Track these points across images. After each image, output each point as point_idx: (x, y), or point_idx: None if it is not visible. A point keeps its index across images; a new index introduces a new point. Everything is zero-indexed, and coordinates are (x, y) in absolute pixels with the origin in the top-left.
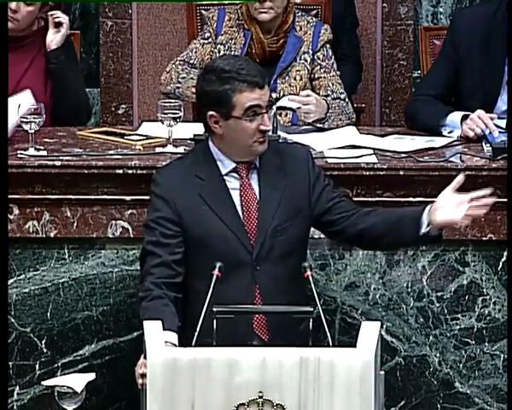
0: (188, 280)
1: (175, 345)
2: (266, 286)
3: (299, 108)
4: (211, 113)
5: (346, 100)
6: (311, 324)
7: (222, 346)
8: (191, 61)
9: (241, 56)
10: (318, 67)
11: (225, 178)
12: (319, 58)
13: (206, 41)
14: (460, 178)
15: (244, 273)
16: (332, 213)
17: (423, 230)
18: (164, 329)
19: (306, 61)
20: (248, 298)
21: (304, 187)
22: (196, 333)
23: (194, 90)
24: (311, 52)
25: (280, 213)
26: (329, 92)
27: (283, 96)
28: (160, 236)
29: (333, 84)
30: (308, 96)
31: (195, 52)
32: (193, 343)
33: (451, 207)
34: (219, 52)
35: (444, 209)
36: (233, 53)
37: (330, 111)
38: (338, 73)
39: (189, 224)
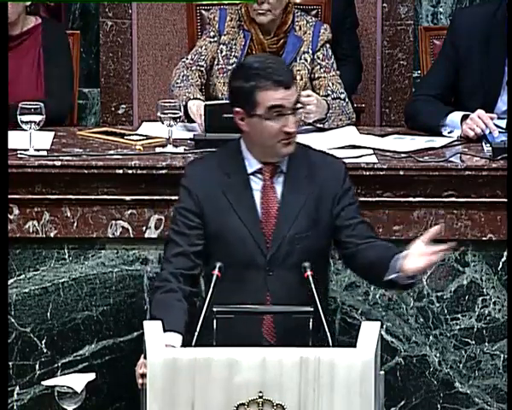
0: (207, 275)
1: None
2: (278, 292)
3: (299, 108)
4: (237, 109)
5: (346, 100)
6: (310, 324)
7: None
8: (201, 60)
9: (274, 56)
10: (318, 66)
11: (250, 177)
12: (319, 58)
13: (212, 39)
14: (436, 229)
15: (256, 276)
16: (344, 233)
17: (388, 276)
18: (169, 329)
19: (306, 60)
20: (258, 301)
21: (329, 199)
22: (196, 333)
23: (183, 98)
24: (310, 52)
25: (299, 221)
26: (329, 92)
27: None
28: (182, 226)
29: (333, 83)
30: (309, 96)
31: (205, 49)
32: (193, 343)
33: (416, 256)
34: (221, 52)
35: (410, 257)
36: (234, 54)
37: (331, 111)
38: (338, 72)
39: (209, 218)
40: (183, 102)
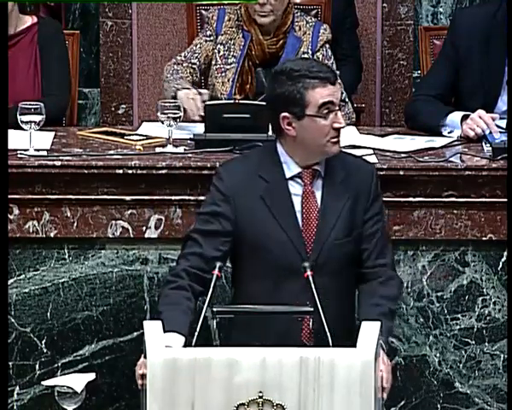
0: (240, 281)
1: None
2: (318, 298)
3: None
4: (284, 114)
5: (346, 100)
6: (310, 324)
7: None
8: (194, 57)
9: (307, 57)
10: None
11: (289, 182)
12: (319, 58)
13: (208, 38)
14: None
15: (296, 282)
16: (361, 245)
17: None
18: (173, 329)
19: None
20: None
21: (363, 203)
22: (196, 333)
23: (172, 90)
24: (310, 52)
25: (339, 227)
26: None
27: None
28: (210, 229)
29: None
30: None
31: (200, 47)
32: (193, 343)
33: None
34: (219, 52)
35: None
36: (232, 54)
37: None
38: (337, 72)
39: (246, 224)
40: (172, 94)
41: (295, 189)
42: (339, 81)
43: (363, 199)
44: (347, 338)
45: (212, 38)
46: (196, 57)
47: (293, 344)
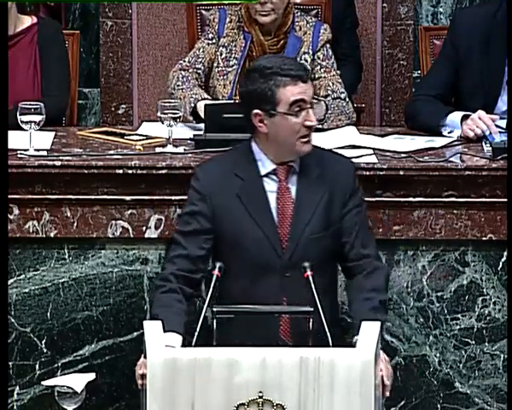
0: (219, 278)
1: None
2: (294, 295)
3: (317, 101)
4: (255, 111)
5: (347, 99)
6: (310, 324)
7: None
8: (198, 62)
9: (282, 55)
10: (318, 66)
11: (264, 179)
12: (319, 58)
13: (210, 41)
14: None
15: (272, 279)
16: (343, 239)
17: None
18: (169, 330)
19: (307, 61)
20: (275, 304)
21: (340, 199)
22: (196, 333)
23: (191, 100)
24: (311, 52)
25: (314, 222)
26: (330, 92)
27: None
28: (191, 228)
29: (333, 83)
30: None
31: (203, 51)
32: (193, 343)
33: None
34: (221, 55)
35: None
36: (234, 55)
37: (329, 112)
38: (338, 72)
39: (223, 222)
40: (192, 104)
41: (270, 186)
42: (311, 78)
43: (340, 194)
44: (330, 332)
45: (214, 40)
46: (201, 62)
47: (272, 341)
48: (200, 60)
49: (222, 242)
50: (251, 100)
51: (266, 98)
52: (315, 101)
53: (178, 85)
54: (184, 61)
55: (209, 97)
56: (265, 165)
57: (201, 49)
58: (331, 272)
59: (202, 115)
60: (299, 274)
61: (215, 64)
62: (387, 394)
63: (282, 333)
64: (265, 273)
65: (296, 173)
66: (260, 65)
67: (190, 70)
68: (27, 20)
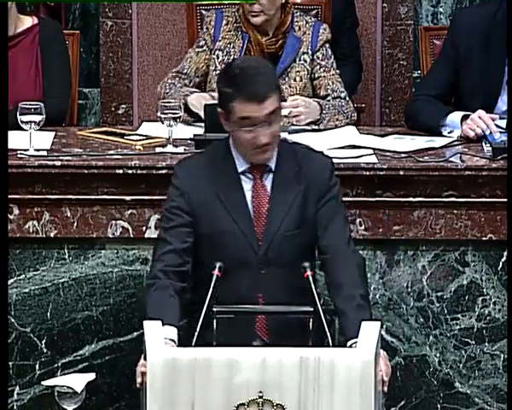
0: (197, 272)
1: (174, 341)
2: (270, 291)
3: (289, 113)
4: (220, 110)
5: (347, 98)
6: (311, 324)
7: (222, 346)
8: (184, 72)
9: (263, 61)
10: (318, 66)
11: (241, 176)
12: (319, 58)
13: (200, 49)
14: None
15: (249, 275)
16: (318, 232)
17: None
18: (164, 323)
19: (306, 61)
20: (251, 300)
21: (315, 196)
22: (196, 333)
23: (180, 99)
24: (310, 52)
25: (289, 219)
26: (329, 92)
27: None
28: (172, 224)
29: (333, 83)
30: (295, 100)
31: (190, 61)
32: (193, 343)
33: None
34: (218, 58)
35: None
36: (232, 57)
37: (324, 112)
38: (338, 71)
39: (201, 217)
40: (182, 101)
41: (246, 183)
42: (274, 96)
43: (315, 191)
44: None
45: (204, 47)
46: (186, 72)
47: (248, 338)
48: (185, 70)
49: (200, 237)
50: (219, 96)
51: (225, 103)
52: (306, 103)
53: (167, 93)
54: (171, 72)
55: (197, 90)
56: (241, 163)
57: (188, 60)
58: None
59: (191, 107)
60: (275, 272)
61: (212, 68)
62: (385, 389)
63: (258, 330)
64: (242, 269)
65: (272, 172)
66: (231, 67)
67: (177, 78)
68: (28, 21)
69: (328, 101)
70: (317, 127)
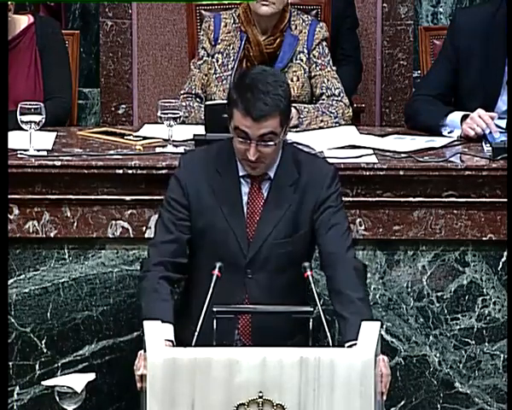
0: (189, 269)
1: (172, 341)
2: (256, 295)
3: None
4: (227, 108)
5: (341, 95)
6: (311, 324)
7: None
8: (193, 92)
9: (279, 79)
10: (314, 65)
11: (241, 179)
12: (315, 56)
13: (201, 62)
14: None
15: (236, 277)
16: (317, 239)
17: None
18: (157, 318)
19: (302, 60)
20: (237, 302)
21: (311, 205)
22: (196, 333)
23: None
24: (306, 51)
25: (280, 227)
26: (324, 90)
27: None
28: (172, 216)
29: (328, 80)
30: None
31: (194, 80)
32: (193, 343)
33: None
34: (217, 61)
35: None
36: (232, 59)
37: (302, 116)
38: (334, 68)
39: (196, 213)
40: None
41: (245, 187)
42: (274, 118)
43: (312, 200)
44: (297, 332)
45: (204, 57)
46: (194, 91)
47: (229, 340)
48: (194, 91)
49: (195, 232)
50: (227, 96)
51: (229, 105)
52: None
53: (187, 117)
54: (182, 94)
55: None
56: (242, 167)
57: (193, 78)
58: (296, 276)
59: None
60: (262, 276)
61: (211, 71)
62: (384, 397)
63: (240, 333)
64: (231, 270)
65: (270, 180)
66: (245, 75)
67: (189, 99)
68: (24, 21)
69: (318, 101)
70: (294, 130)
